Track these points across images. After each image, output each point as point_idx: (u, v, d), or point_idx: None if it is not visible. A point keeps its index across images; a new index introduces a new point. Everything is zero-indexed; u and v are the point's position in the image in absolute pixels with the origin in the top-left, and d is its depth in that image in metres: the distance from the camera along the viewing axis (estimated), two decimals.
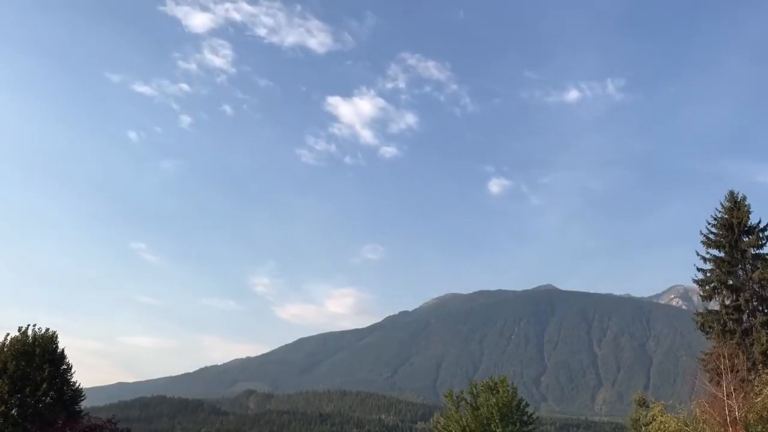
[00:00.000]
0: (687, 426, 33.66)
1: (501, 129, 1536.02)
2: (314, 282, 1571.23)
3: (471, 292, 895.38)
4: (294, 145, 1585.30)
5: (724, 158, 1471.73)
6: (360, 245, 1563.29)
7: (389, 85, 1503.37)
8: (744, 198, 44.95)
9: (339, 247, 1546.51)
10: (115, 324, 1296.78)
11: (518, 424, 43.05)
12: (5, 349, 35.78)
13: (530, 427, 44.93)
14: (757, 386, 32.73)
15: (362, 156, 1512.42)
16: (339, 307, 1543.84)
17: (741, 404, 30.74)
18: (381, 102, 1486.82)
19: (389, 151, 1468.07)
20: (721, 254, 44.58)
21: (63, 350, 37.83)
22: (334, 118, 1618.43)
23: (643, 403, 63.16)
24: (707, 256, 45.20)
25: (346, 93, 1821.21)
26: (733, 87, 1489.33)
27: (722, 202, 45.57)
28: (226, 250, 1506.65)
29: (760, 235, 43.77)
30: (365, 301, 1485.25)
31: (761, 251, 43.83)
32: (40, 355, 36.16)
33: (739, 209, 44.39)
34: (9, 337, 36.63)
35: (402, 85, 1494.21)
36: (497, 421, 42.13)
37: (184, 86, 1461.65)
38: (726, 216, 44.74)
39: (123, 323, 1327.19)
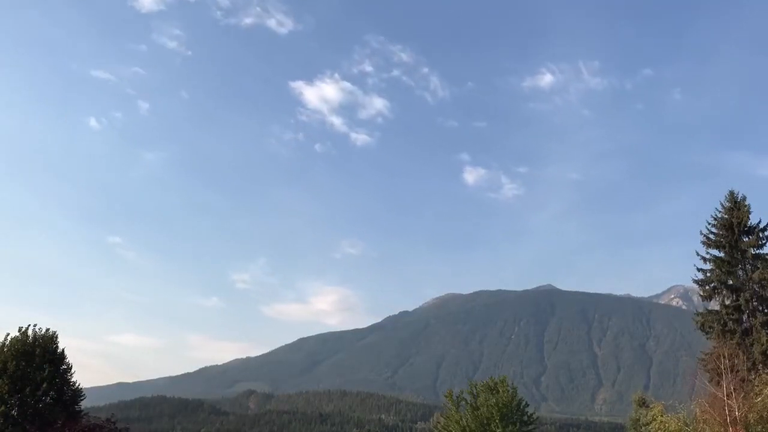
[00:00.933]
0: (687, 426, 33.67)
1: (475, 115, 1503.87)
2: (297, 278, 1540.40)
3: (471, 292, 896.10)
4: (260, 133, 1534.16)
5: (722, 150, 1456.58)
6: (339, 240, 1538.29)
7: (355, 69, 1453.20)
8: (744, 198, 44.99)
9: (318, 241, 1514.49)
10: (101, 322, 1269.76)
11: (518, 424, 43.00)
12: (5, 349, 35.76)
13: (530, 427, 44.87)
14: (757, 386, 32.72)
15: (333, 144, 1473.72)
16: (324, 304, 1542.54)
17: (741, 404, 30.75)
18: (347, 86, 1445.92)
19: (361, 138, 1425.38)
20: (721, 254, 44.59)
21: (63, 350, 37.83)
22: (300, 104, 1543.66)
23: (643, 404, 63.10)
24: (707, 256, 45.23)
25: (310, 77, 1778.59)
26: (732, 74, 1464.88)
27: (722, 202, 45.62)
28: (205, 246, 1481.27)
29: (760, 235, 43.79)
30: (349, 298, 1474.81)
31: (761, 251, 43.85)
32: (40, 355, 36.14)
33: (739, 209, 44.41)
34: (9, 337, 36.65)
35: (369, 68, 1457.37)
36: (497, 421, 42.10)
37: (139, 70, 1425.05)
38: (726, 216, 44.76)
39: (108, 321, 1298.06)
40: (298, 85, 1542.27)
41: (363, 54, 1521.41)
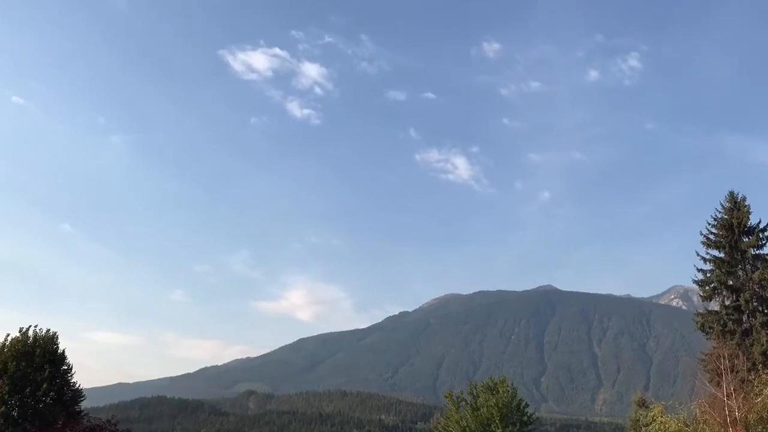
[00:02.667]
0: (687, 426, 33.67)
1: (425, 89, 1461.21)
2: (278, 271, 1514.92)
3: (471, 292, 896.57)
4: (192, 105, 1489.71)
5: (721, 133, 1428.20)
6: (301, 229, 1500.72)
7: (287, 35, 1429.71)
8: (744, 198, 45.04)
9: (280, 231, 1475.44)
10: (74, 318, 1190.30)
11: (518, 424, 43.00)
12: (5, 350, 35.78)
13: (530, 427, 44.88)
14: (757, 387, 32.74)
15: (270, 118, 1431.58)
16: (296, 298, 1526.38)
17: (741, 405, 30.75)
18: (281, 53, 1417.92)
19: (302, 113, 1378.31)
20: (721, 255, 44.62)
21: (63, 351, 37.87)
22: (231, 73, 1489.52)
23: (643, 404, 63.18)
24: (707, 257, 45.27)
25: (242, 44, 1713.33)
26: (731, 54, 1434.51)
27: (722, 202, 45.68)
28: (166, 239, 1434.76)
29: (760, 235, 43.82)
30: (318, 290, 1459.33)
31: (761, 251, 43.89)
32: (40, 356, 36.17)
33: (738, 210, 44.44)
34: (9, 338, 36.68)
35: (300, 34, 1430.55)
36: (497, 421, 42.10)
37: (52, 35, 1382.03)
38: (726, 216, 44.78)
39: (81, 317, 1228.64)
40: (226, 53, 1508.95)
41: (294, 19, 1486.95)
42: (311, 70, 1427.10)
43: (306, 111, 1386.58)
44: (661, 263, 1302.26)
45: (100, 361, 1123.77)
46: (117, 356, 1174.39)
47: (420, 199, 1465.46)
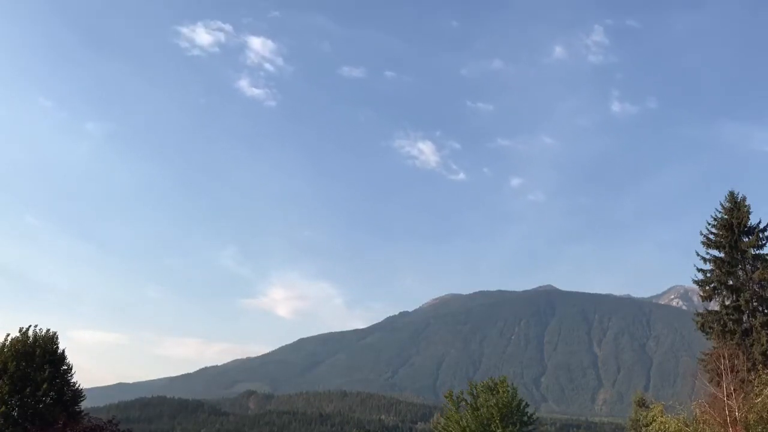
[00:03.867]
0: (687, 426, 33.65)
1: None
2: (267, 266, 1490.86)
3: (471, 292, 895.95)
4: (150, 87, 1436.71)
5: (718, 120, 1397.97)
6: (288, 223, 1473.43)
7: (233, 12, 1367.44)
8: (744, 198, 45.07)
9: (264, 225, 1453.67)
10: (60, 317, 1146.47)
11: (518, 424, 43.03)
12: (5, 350, 35.82)
13: (530, 427, 44.91)
14: (757, 387, 32.72)
15: (224, 99, 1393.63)
16: (277, 295, 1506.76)
17: (741, 405, 30.74)
18: (224, 26, 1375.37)
19: (256, 92, 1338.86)
20: (721, 255, 44.63)
21: (63, 351, 37.92)
22: (179, 48, 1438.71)
23: (643, 404, 63.23)
24: (707, 257, 45.28)
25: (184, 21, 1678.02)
26: (730, 34, 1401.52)
27: (722, 202, 45.71)
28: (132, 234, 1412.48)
29: (760, 235, 43.83)
30: (308, 288, 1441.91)
31: (761, 251, 43.89)
32: (40, 356, 36.21)
33: (738, 209, 44.45)
34: (9, 338, 36.71)
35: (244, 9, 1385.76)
36: (497, 421, 42.12)
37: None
38: (726, 216, 44.79)
39: (65, 316, 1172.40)
40: (177, 29, 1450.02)
41: None
42: (258, 44, 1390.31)
43: (258, 91, 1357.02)
44: (661, 263, 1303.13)
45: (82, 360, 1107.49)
46: (100, 355, 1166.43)
47: (398, 189, 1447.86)
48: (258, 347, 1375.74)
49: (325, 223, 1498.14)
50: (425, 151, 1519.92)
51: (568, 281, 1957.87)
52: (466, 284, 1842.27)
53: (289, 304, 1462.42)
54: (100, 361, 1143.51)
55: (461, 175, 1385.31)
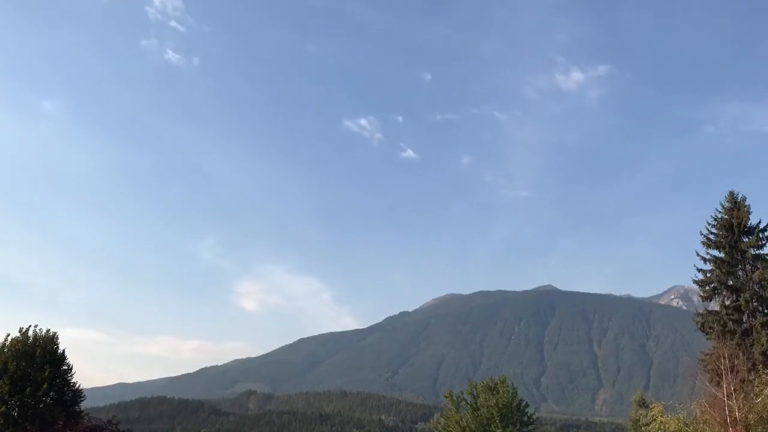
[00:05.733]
0: (687, 426, 33.64)
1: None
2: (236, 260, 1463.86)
3: (471, 292, 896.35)
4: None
5: (714, 99, 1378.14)
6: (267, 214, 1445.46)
7: None
8: (744, 198, 45.06)
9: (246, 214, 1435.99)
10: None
11: (518, 424, 43.02)
12: (5, 350, 35.81)
13: (530, 427, 44.89)
14: (758, 387, 32.72)
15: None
16: (245, 289, 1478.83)
17: (741, 405, 30.74)
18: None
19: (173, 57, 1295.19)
20: (721, 255, 44.61)
21: (63, 351, 37.90)
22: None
23: (643, 404, 63.20)
24: (707, 257, 45.26)
25: None
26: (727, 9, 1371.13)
27: (722, 202, 45.69)
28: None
29: (760, 235, 43.81)
30: (293, 283, 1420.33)
31: (761, 252, 43.87)
32: (40, 356, 36.19)
33: (739, 209, 44.44)
34: (9, 338, 36.70)
35: None
36: (497, 421, 42.11)
37: None
38: (726, 216, 44.78)
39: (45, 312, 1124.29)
40: None
41: None
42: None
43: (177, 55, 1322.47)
44: (661, 263, 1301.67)
45: None
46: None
47: (362, 174, 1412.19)
48: (236, 344, 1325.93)
49: (297, 210, 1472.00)
50: (368, 127, 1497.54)
51: (568, 281, 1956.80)
52: (466, 284, 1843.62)
53: (261, 299, 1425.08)
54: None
55: (409, 153, 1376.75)
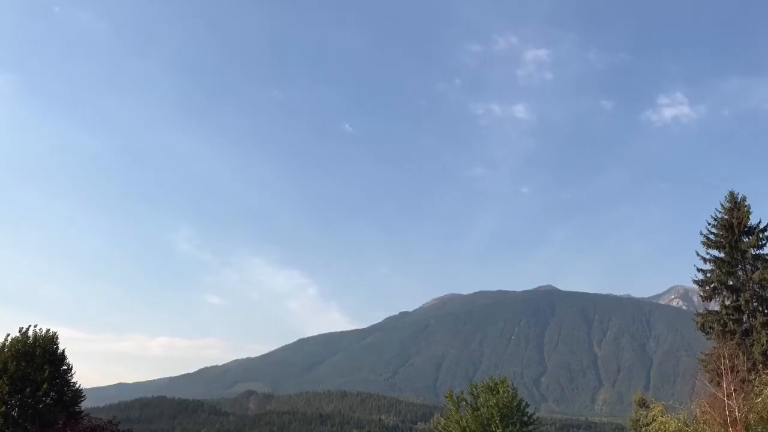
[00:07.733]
0: (687, 426, 33.65)
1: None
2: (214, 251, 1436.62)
3: (471, 292, 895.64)
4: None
5: (711, 74, 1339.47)
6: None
7: None
8: (744, 198, 45.05)
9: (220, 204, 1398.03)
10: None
11: (518, 424, 43.03)
12: (5, 350, 35.79)
13: (530, 427, 44.92)
14: (758, 387, 32.71)
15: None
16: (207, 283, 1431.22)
17: (741, 405, 30.73)
18: None
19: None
20: (721, 255, 44.63)
21: (63, 351, 37.90)
22: None
23: (643, 404, 63.19)
24: (707, 257, 45.28)
25: None
26: None
27: (722, 202, 45.67)
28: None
29: (760, 235, 43.82)
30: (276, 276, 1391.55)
31: (761, 252, 43.90)
32: (40, 356, 36.18)
33: (739, 209, 44.43)
34: (9, 338, 36.69)
35: None
36: (497, 421, 42.13)
37: None
38: (726, 216, 44.77)
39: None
40: None
41: None
42: None
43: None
44: (661, 263, 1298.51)
45: None
46: None
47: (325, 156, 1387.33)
48: (209, 341, 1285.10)
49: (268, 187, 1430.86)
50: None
51: (568, 281, 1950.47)
52: (466, 284, 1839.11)
53: (238, 291, 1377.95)
54: None
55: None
